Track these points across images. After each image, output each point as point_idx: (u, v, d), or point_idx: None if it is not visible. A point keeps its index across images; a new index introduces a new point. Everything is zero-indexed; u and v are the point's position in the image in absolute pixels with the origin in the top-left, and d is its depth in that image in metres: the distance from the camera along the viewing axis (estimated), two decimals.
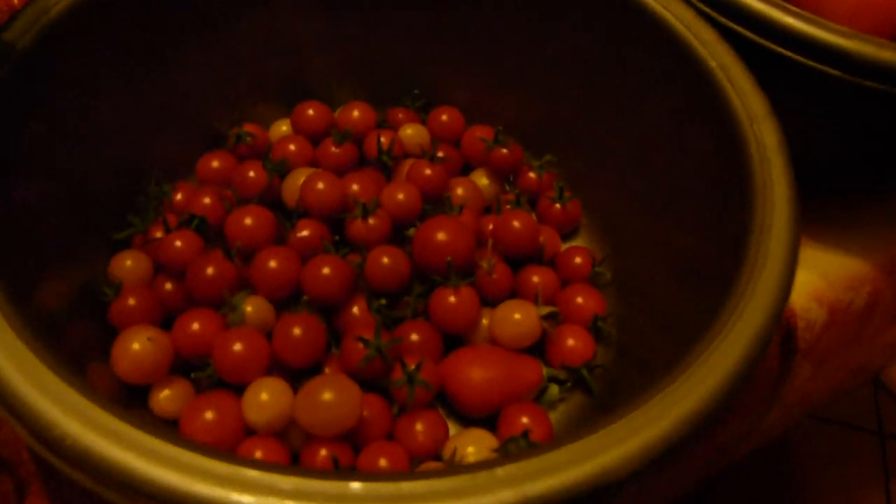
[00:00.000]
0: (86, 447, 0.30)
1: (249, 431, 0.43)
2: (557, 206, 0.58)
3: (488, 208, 0.60)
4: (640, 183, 0.55)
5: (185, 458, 0.29)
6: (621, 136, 0.57)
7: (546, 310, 0.50)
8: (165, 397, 0.46)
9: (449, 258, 0.49)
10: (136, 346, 0.44)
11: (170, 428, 0.45)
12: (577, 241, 0.60)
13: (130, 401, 0.46)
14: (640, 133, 0.54)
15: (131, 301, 0.47)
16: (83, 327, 0.46)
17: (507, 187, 0.62)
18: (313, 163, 0.58)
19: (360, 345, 0.46)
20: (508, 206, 0.59)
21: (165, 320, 0.49)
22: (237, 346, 0.45)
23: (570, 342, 0.51)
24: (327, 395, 0.42)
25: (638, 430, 0.32)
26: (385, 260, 0.50)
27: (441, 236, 0.50)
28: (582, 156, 0.62)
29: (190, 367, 0.46)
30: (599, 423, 0.32)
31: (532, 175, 0.61)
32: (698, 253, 0.47)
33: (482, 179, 0.60)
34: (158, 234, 0.52)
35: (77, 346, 0.44)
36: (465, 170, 0.63)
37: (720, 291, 0.39)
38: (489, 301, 0.52)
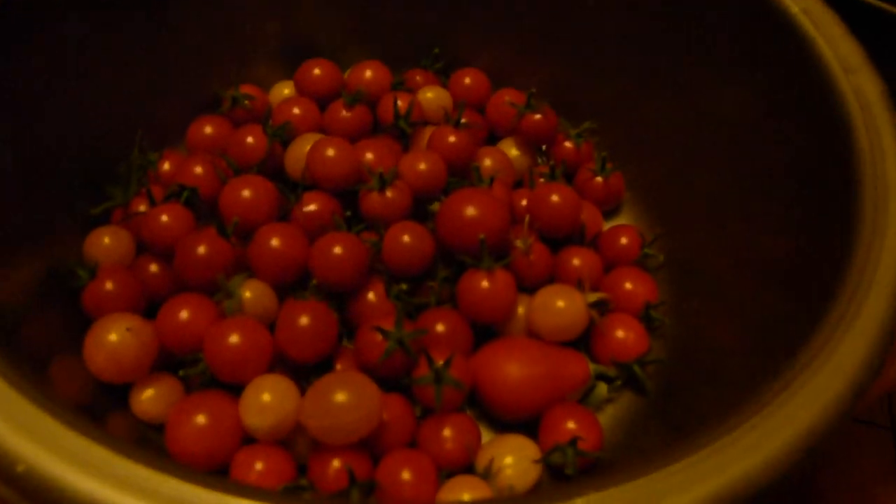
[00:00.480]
0: (44, 475, 0.23)
1: (248, 439, 0.36)
2: (599, 179, 0.51)
3: (518, 182, 0.53)
4: (698, 152, 0.48)
5: (166, 487, 0.22)
6: (676, 100, 0.50)
7: (594, 296, 0.43)
8: (149, 398, 0.39)
9: (481, 236, 0.42)
10: (113, 337, 0.37)
11: (152, 440, 0.38)
12: (620, 220, 0.53)
13: (107, 403, 0.39)
14: (701, 96, 0.47)
15: (108, 285, 0.40)
16: (49, 316, 0.39)
17: (540, 159, 0.55)
18: (320, 129, 0.51)
19: (379, 336, 0.39)
20: (542, 180, 0.52)
21: (149, 308, 0.42)
22: (233, 339, 0.38)
23: (620, 334, 0.44)
24: (340, 397, 0.36)
25: (734, 461, 0.25)
26: (406, 238, 0.43)
27: (471, 211, 0.43)
28: (624, 124, 0.55)
29: (178, 362, 0.39)
30: (688, 448, 0.26)
31: (568, 145, 0.53)
32: (779, 233, 0.40)
33: (512, 150, 0.53)
34: (142, 208, 0.45)
35: (40, 339, 0.37)
36: (490, 140, 0.56)
37: (817, 281, 0.32)
38: (525, 286, 0.45)
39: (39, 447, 0.23)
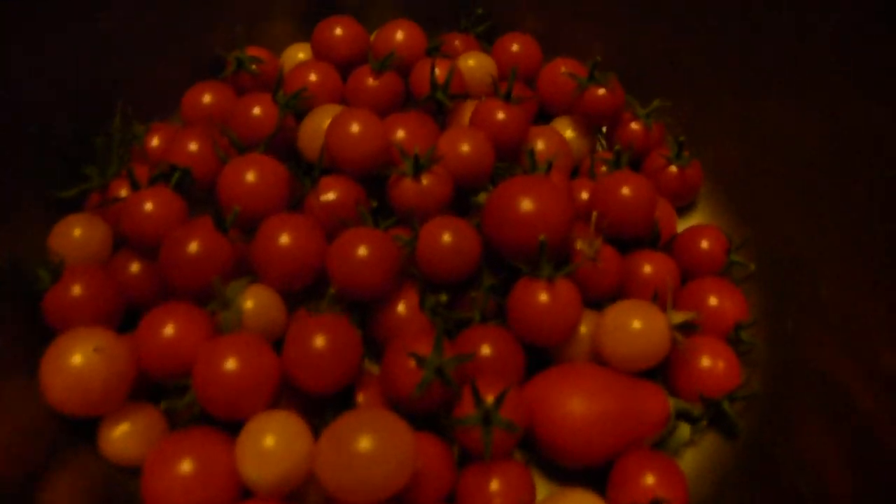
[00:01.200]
0: None
1: (246, 492, 0.28)
2: (673, 168, 0.43)
3: (574, 170, 0.45)
4: (792, 138, 0.40)
5: None
6: (769, 75, 0.41)
7: (680, 316, 0.35)
8: (122, 436, 0.32)
9: (542, 237, 0.33)
10: (76, 360, 0.30)
11: (123, 488, 0.30)
12: (694, 218, 0.45)
13: (68, 439, 0.31)
14: (806, 75, 0.39)
15: (76, 289, 0.33)
16: None
17: (600, 144, 0.46)
18: (342, 100, 0.43)
19: (412, 363, 0.31)
20: (604, 168, 0.43)
21: (128, 318, 0.34)
22: (230, 364, 0.30)
23: (707, 362, 0.36)
24: (365, 444, 0.29)
25: None
26: (446, 237, 0.35)
27: (528, 204, 0.34)
28: (696, 100, 0.46)
29: (161, 389, 0.31)
30: None
31: (635, 126, 0.45)
32: None
33: (567, 130, 0.45)
34: (123, 193, 0.37)
35: None
36: (539, 118, 0.47)
37: None
38: (589, 299, 0.37)
39: None
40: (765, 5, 0.42)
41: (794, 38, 0.41)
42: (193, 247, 0.33)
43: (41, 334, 0.32)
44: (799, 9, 0.40)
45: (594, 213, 0.37)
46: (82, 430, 0.31)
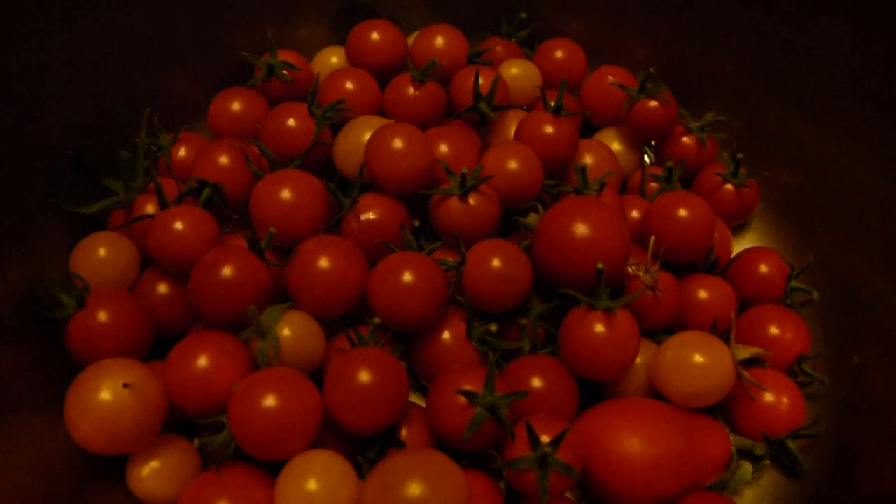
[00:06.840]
0: None
1: None
2: (729, 187, 0.40)
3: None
4: (861, 154, 0.37)
5: None
6: (834, 78, 0.39)
7: (747, 352, 0.32)
8: (152, 474, 0.30)
9: (600, 265, 0.31)
10: (105, 396, 0.28)
11: None
12: (747, 239, 0.42)
13: (94, 475, 0.28)
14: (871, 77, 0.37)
15: (102, 316, 0.30)
16: (17, 357, 0.29)
17: (647, 156, 0.44)
18: (380, 111, 0.40)
19: (461, 400, 0.29)
20: (654, 185, 0.41)
21: (157, 344, 0.32)
22: (269, 402, 0.28)
23: (770, 398, 0.34)
24: (415, 489, 0.27)
25: None
26: (496, 263, 0.33)
27: (584, 229, 0.32)
28: (751, 115, 0.44)
29: (193, 423, 0.29)
30: None
31: (687, 140, 0.42)
32: None
33: (614, 143, 0.42)
34: (149, 209, 0.34)
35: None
36: (583, 130, 0.45)
37: None
38: (644, 329, 0.35)
39: None
40: (819, 22, 0.39)
41: (854, 55, 0.38)
42: (227, 272, 0.30)
43: (63, 363, 0.30)
44: (855, 27, 0.38)
45: (652, 238, 0.35)
46: (110, 466, 0.29)
